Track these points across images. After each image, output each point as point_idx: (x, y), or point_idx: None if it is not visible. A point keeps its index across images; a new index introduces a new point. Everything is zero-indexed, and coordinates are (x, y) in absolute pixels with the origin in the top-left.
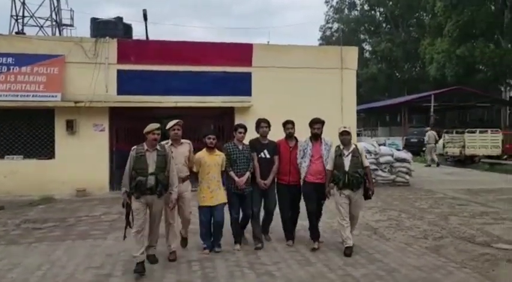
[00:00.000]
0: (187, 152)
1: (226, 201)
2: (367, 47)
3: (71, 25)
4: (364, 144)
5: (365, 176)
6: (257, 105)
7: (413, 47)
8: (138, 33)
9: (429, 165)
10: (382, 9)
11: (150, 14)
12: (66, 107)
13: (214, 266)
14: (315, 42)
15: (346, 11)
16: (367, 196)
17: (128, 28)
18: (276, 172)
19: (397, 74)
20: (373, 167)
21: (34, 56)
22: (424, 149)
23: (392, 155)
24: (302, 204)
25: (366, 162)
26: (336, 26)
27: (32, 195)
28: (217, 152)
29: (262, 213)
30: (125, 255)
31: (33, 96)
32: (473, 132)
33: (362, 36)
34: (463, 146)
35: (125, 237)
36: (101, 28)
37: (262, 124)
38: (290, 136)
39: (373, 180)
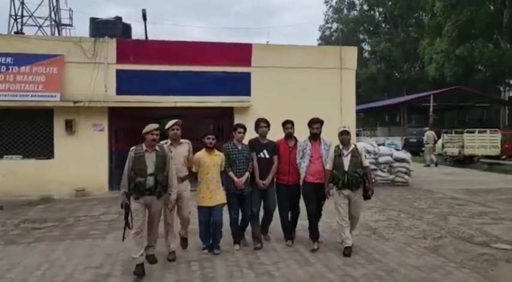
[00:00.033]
0: (187, 152)
1: (225, 201)
2: (367, 47)
3: (70, 25)
4: (364, 144)
5: (364, 176)
6: (256, 105)
7: (413, 47)
8: (137, 33)
9: (428, 165)
10: (381, 9)
11: (149, 13)
12: (65, 107)
13: (213, 266)
14: (314, 42)
15: (345, 11)
16: (366, 196)
17: (127, 28)
18: (275, 172)
19: (396, 74)
20: (372, 167)
21: (33, 55)
22: (423, 149)
23: (391, 155)
24: (302, 204)
25: (366, 162)
26: (335, 26)
27: (31, 195)
28: (216, 152)
29: (261, 213)
30: (124, 255)
31: (32, 96)
32: (472, 132)
33: (361, 36)
34: (462, 146)
35: (124, 238)
36: (100, 28)
37: (262, 124)
38: (289, 136)
39: (373, 180)
